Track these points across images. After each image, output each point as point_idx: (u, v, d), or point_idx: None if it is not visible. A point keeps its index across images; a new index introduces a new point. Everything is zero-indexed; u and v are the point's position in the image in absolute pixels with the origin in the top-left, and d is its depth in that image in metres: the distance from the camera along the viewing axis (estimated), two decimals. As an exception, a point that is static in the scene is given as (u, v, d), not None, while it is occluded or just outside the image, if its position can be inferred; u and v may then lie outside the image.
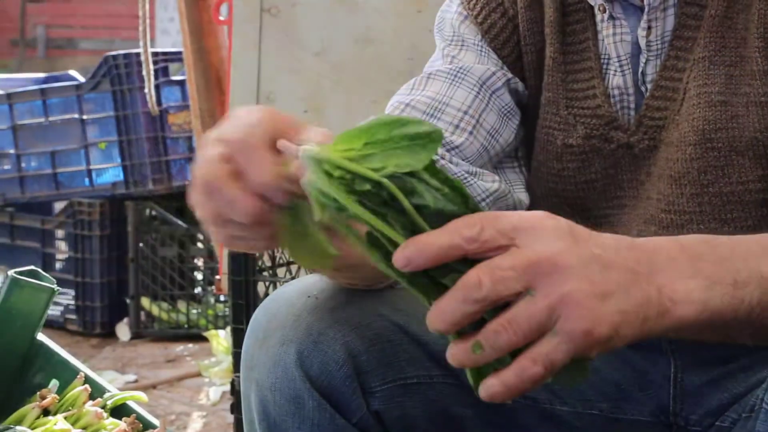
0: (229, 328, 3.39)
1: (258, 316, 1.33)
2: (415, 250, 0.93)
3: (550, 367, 0.94)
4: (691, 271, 1.01)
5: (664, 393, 1.46)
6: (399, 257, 0.94)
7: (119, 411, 2.30)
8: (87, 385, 2.28)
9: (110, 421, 2.21)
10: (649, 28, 1.42)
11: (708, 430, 1.43)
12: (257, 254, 2.43)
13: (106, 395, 2.31)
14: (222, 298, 4.55)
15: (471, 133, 1.45)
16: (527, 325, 0.93)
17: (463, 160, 1.45)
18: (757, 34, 1.35)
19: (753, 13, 1.36)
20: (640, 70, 1.43)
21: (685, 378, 1.45)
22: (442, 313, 0.94)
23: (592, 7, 1.47)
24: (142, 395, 2.33)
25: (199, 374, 3.89)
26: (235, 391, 2.40)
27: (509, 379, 0.94)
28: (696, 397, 1.44)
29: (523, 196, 1.51)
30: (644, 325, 0.97)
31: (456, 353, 0.96)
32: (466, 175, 1.44)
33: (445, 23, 1.55)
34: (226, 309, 4.45)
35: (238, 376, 2.36)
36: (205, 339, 4.12)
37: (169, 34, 12.20)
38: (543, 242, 0.94)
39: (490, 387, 0.95)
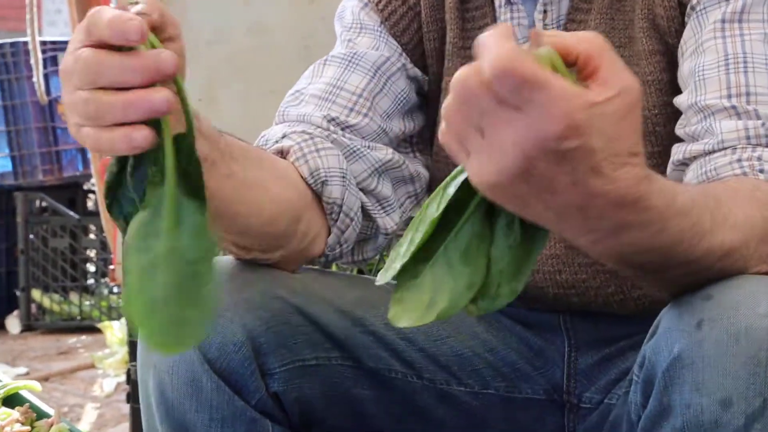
0: (123, 318, 3.37)
1: (156, 299, 1.31)
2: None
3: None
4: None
5: (558, 372, 1.49)
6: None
7: (12, 401, 2.25)
8: (-23, 376, 2.23)
9: (2, 411, 2.17)
10: (545, 11, 1.46)
11: (597, 407, 1.46)
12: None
13: (-2, 384, 2.27)
14: (116, 289, 4.51)
15: (366, 115, 1.47)
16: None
17: (361, 138, 1.46)
18: (641, 15, 1.40)
19: None
20: (537, 53, 1.46)
21: (578, 357, 1.48)
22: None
23: None
24: (35, 384, 2.29)
25: (92, 366, 3.86)
26: (131, 380, 2.38)
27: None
28: (588, 376, 1.48)
29: (422, 170, 1.53)
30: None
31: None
32: (361, 148, 1.45)
33: (345, 11, 1.58)
34: (120, 300, 4.41)
35: (134, 365, 2.34)
36: (98, 331, 4.08)
37: (56, 25, 12.01)
38: (546, 118, 0.92)
39: None
